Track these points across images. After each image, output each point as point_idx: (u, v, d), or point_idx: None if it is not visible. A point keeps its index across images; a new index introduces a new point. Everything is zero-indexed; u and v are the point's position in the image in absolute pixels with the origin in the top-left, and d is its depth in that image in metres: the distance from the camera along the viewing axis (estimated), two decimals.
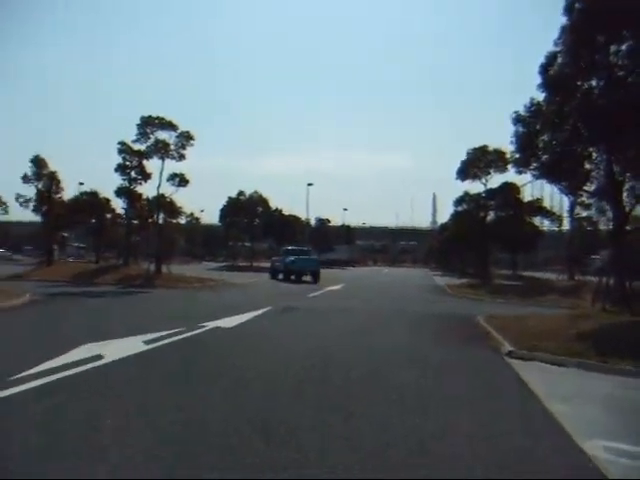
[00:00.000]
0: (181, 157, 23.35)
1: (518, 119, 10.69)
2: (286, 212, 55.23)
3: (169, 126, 22.92)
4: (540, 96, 9.85)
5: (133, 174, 25.44)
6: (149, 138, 23.17)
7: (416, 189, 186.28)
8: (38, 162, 26.16)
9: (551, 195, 60.30)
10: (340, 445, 3.64)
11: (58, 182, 27.29)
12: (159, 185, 24.04)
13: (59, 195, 27.55)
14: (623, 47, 9.14)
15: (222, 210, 50.42)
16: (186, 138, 23.17)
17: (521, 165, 11.04)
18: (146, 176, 25.34)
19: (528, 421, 4.50)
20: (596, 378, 6.44)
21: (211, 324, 9.47)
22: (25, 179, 26.03)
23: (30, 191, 26.88)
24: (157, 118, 22.83)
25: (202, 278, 23.49)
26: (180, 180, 24.29)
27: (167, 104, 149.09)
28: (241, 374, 5.81)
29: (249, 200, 49.72)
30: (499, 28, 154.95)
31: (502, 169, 30.31)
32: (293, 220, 55.35)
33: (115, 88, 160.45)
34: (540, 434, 4.14)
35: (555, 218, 36.85)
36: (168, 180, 24.20)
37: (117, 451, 3.37)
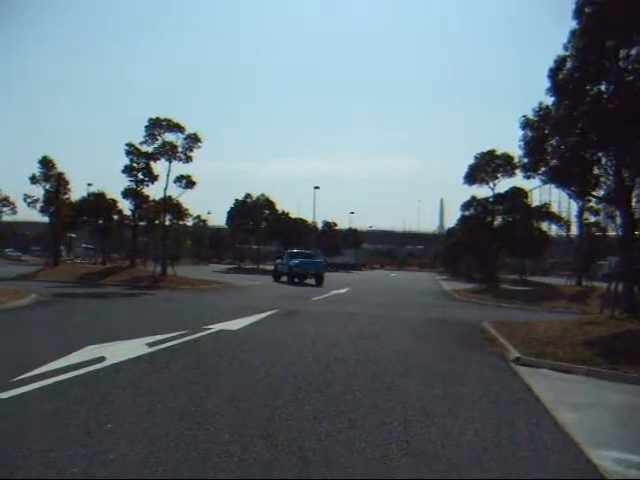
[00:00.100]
0: (188, 159, 23.38)
1: (526, 123, 10.59)
2: (293, 215, 55.32)
3: (176, 128, 22.96)
4: (549, 100, 9.78)
5: (140, 176, 25.56)
6: (156, 140, 23.23)
7: (423, 193, 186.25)
8: (46, 163, 26.36)
9: (559, 200, 60.18)
10: (342, 457, 3.57)
11: (66, 183, 27.49)
12: (166, 187, 24.13)
13: (66, 196, 27.76)
14: (633, 51, 9.03)
15: (229, 212, 50.57)
16: (193, 140, 23.20)
17: (529, 169, 10.93)
18: (153, 178, 25.43)
19: (535, 430, 4.40)
20: (605, 386, 6.33)
21: (215, 327, 9.42)
22: (33, 180, 26.24)
23: (38, 192, 27.14)
24: (165, 120, 22.89)
25: (207, 280, 23.50)
26: (187, 182, 24.34)
27: (176, 107, 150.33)
28: (244, 378, 5.75)
29: (256, 203, 49.83)
30: (509, 32, 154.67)
31: (510, 174, 30.09)
32: (300, 223, 55.38)
33: (125, 90, 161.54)
34: (547, 444, 4.04)
35: (563, 223, 36.57)
36: (175, 182, 24.31)
37: (112, 457, 3.32)
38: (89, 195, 30.79)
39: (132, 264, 27.79)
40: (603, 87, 8.93)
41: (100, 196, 29.82)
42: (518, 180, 32.62)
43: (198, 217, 63.83)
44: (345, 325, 11.10)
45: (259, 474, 3.19)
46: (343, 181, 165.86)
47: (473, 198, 34.38)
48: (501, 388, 5.97)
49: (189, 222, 40.83)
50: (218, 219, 61.44)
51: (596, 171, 9.99)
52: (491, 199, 32.42)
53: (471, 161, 31.35)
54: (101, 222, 30.42)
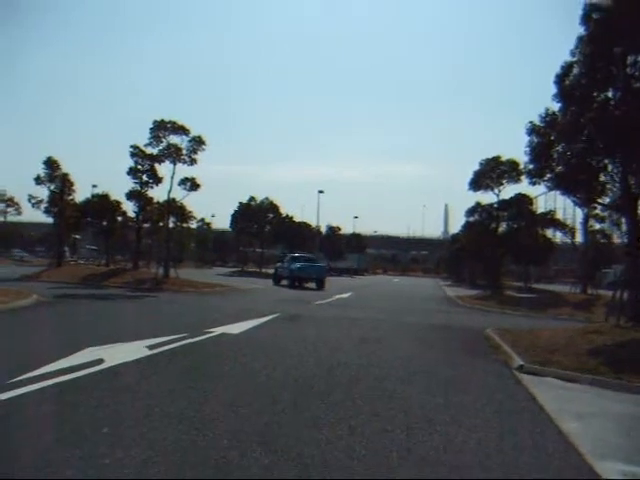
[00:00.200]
0: (192, 161, 23.39)
1: (533, 129, 10.52)
2: (297, 219, 55.32)
3: (181, 130, 22.99)
4: (555, 106, 9.72)
5: (145, 177, 25.59)
6: (161, 142, 23.26)
7: (428, 199, 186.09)
8: (51, 164, 26.44)
9: (564, 207, 60.01)
10: (341, 464, 3.50)
11: (71, 184, 27.57)
12: (170, 189, 24.12)
13: (71, 197, 27.84)
14: None
15: (233, 216, 50.59)
16: (198, 143, 23.21)
17: (535, 176, 10.85)
18: (157, 180, 25.46)
19: (539, 440, 4.32)
20: (610, 395, 6.23)
21: (217, 330, 9.37)
22: (38, 180, 26.32)
23: (42, 192, 27.24)
24: (169, 122, 22.92)
25: (210, 283, 23.47)
26: (191, 184, 24.34)
27: (180, 109, 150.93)
28: (244, 382, 5.69)
29: (260, 206, 49.84)
30: (515, 35, 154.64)
31: (515, 180, 29.97)
32: (304, 227, 55.38)
33: (130, 92, 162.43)
34: (551, 454, 3.97)
35: (568, 230, 36.40)
36: (179, 184, 24.27)
37: (107, 462, 3.27)
38: (93, 196, 30.88)
39: (135, 266, 27.81)
40: (610, 94, 8.86)
41: (104, 197, 29.89)
42: (523, 187, 32.48)
43: (202, 220, 63.97)
44: (347, 330, 11.02)
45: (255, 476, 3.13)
46: (347, 185, 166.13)
47: (478, 204, 34.29)
48: (505, 396, 5.88)
49: (193, 225, 40.82)
50: (222, 222, 61.58)
51: (602, 178, 9.91)
52: (496, 205, 32.29)
53: (476, 167, 31.30)
54: (105, 224, 30.47)
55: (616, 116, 8.48)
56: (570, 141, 8.97)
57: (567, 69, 9.08)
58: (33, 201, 27.18)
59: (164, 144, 23.29)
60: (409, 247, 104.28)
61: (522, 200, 31.97)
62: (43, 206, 27.21)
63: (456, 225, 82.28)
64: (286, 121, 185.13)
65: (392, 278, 66.68)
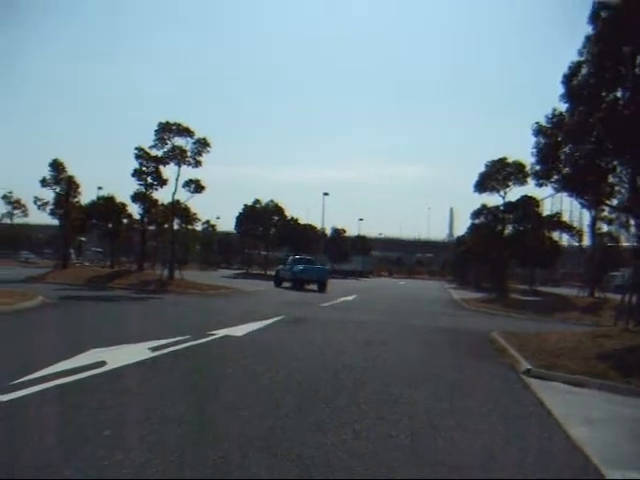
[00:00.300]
0: (197, 163, 23.38)
1: (539, 130, 10.40)
2: (302, 221, 55.26)
3: (186, 132, 22.99)
4: (563, 107, 9.59)
5: (149, 179, 25.61)
6: (166, 144, 23.27)
7: (433, 201, 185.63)
8: (56, 166, 26.53)
9: (570, 210, 59.67)
10: (345, 468, 3.42)
11: (76, 186, 27.65)
12: (175, 191, 24.13)
13: (76, 199, 27.91)
14: None
15: (238, 218, 50.60)
16: (202, 145, 23.20)
17: (542, 177, 10.73)
18: (162, 182, 25.48)
19: (547, 445, 4.22)
20: (618, 400, 6.12)
21: (221, 332, 9.31)
22: (44, 183, 26.41)
23: (48, 195, 27.34)
24: (174, 124, 22.93)
25: (215, 285, 23.44)
26: (196, 186, 24.33)
27: (184, 111, 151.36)
28: (247, 385, 5.63)
29: (265, 208, 49.83)
30: (517, 38, 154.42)
31: (521, 182, 29.78)
32: (309, 229, 55.30)
33: (135, 94, 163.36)
34: (560, 462, 3.87)
35: (575, 233, 36.13)
36: (184, 186, 24.26)
37: (107, 464, 3.21)
38: (99, 198, 30.94)
39: (140, 268, 27.83)
40: (619, 94, 8.73)
41: (109, 200, 29.94)
42: (529, 189, 32.22)
43: (207, 222, 64.08)
44: (352, 332, 10.94)
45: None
46: (351, 187, 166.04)
47: (483, 206, 34.10)
48: (511, 401, 5.78)
49: (198, 227, 40.91)
50: (227, 224, 61.61)
51: (611, 179, 9.78)
52: (502, 207, 32.10)
53: (481, 169, 31.12)
54: (110, 226, 30.52)
55: (625, 116, 8.36)
56: (578, 142, 8.85)
57: (575, 69, 8.97)
58: (39, 203, 27.31)
59: (169, 146, 23.31)
60: (414, 249, 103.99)
61: (528, 202, 31.74)
62: (49, 208, 27.34)
63: (461, 227, 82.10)
64: (289, 122, 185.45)
65: (398, 281, 66.48)
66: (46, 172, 26.62)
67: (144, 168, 25.39)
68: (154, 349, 7.18)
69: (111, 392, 4.99)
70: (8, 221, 53.88)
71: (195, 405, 4.75)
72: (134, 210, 28.90)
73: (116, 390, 5.11)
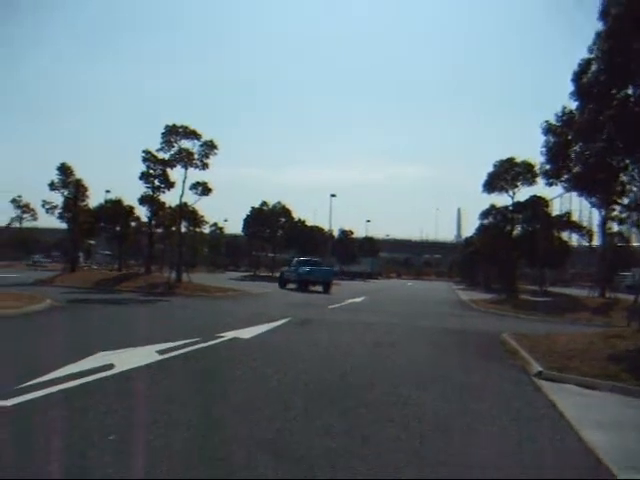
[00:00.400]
0: (204, 166, 23.38)
1: (549, 129, 10.25)
2: (309, 223, 55.22)
3: (193, 135, 23.01)
4: (572, 105, 9.45)
5: (157, 182, 25.66)
6: (173, 147, 23.29)
7: (441, 202, 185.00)
8: (64, 170, 26.68)
9: (580, 209, 59.15)
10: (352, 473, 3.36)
11: (84, 189, 27.78)
12: (182, 194, 24.15)
13: (84, 202, 28.03)
14: None
15: (245, 220, 50.65)
16: (209, 147, 23.21)
17: (551, 177, 10.58)
18: (169, 184, 25.51)
19: (560, 451, 4.13)
20: (632, 403, 6.01)
21: (229, 334, 9.28)
22: (52, 186, 26.55)
23: (57, 198, 27.49)
24: (181, 127, 22.96)
25: (222, 287, 23.43)
26: (203, 189, 24.35)
27: (190, 114, 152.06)
28: (255, 388, 5.57)
29: (272, 210, 49.84)
30: (528, 37, 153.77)
31: (530, 182, 29.49)
32: (316, 231, 55.24)
33: (140, 96, 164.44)
34: (574, 465, 3.78)
35: (585, 233, 35.76)
36: (191, 189, 24.28)
37: (111, 471, 3.16)
38: (106, 202, 31.05)
39: (148, 271, 27.90)
40: (630, 91, 8.59)
41: (117, 203, 30.03)
42: (538, 189, 31.91)
43: (215, 224, 64.18)
44: (361, 334, 10.87)
45: None
46: (358, 189, 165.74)
47: (492, 207, 33.82)
48: (523, 403, 5.68)
49: (206, 229, 40.98)
50: (234, 227, 61.67)
51: (622, 178, 9.63)
52: (511, 208, 31.83)
53: (489, 169, 30.86)
54: (118, 229, 30.63)
55: (636, 113, 8.21)
56: (588, 140, 8.70)
57: (585, 66, 8.82)
58: (47, 207, 27.46)
59: (176, 149, 23.33)
60: (422, 251, 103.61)
61: (537, 202, 31.43)
62: (57, 212, 27.48)
63: (469, 228, 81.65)
64: (299, 125, 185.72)
65: (406, 282, 66.24)
66: (54, 176, 26.84)
67: (151, 171, 25.46)
68: (162, 352, 7.16)
69: (118, 395, 4.96)
70: (17, 225, 54.24)
71: (203, 408, 4.70)
72: (142, 213, 29.03)
73: (123, 393, 5.08)
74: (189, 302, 17.35)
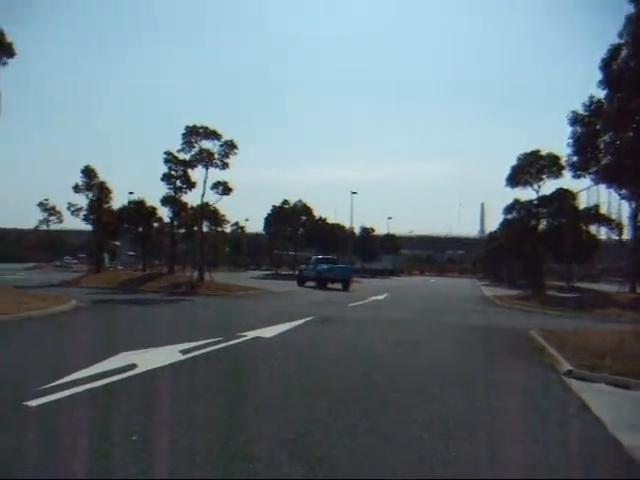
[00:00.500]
0: (224, 166, 23.52)
1: (576, 119, 9.90)
2: (330, 221, 55.14)
3: (213, 135, 23.15)
4: (600, 94, 9.10)
5: (178, 183, 25.93)
6: (193, 147, 23.50)
7: (464, 198, 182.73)
8: (88, 172, 27.14)
9: (609, 201, 57.66)
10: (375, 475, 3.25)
11: (108, 192, 28.22)
12: (203, 194, 24.34)
13: (108, 204, 28.47)
14: None
15: (266, 219, 50.84)
16: (229, 147, 23.33)
17: (579, 169, 10.26)
18: (191, 185, 25.77)
19: (595, 456, 3.94)
20: None
21: (251, 333, 9.25)
22: (76, 189, 27.05)
23: (81, 200, 27.98)
24: (201, 127, 23.12)
25: (244, 286, 23.53)
26: (224, 188, 24.49)
27: (209, 114, 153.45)
28: (277, 388, 5.51)
29: (293, 209, 49.91)
30: (548, 28, 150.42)
31: (556, 175, 28.79)
32: (337, 229, 55.12)
33: (160, 98, 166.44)
34: (613, 474, 3.59)
35: (614, 226, 34.79)
36: (212, 189, 24.47)
37: (134, 472, 3.13)
38: (130, 203, 31.47)
39: (171, 270, 28.21)
40: None
41: (140, 204, 30.43)
42: (564, 181, 31.21)
43: (236, 224, 64.61)
44: (384, 332, 10.74)
45: None
46: (381, 186, 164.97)
47: (516, 201, 33.21)
48: (553, 403, 5.49)
49: (227, 229, 41.23)
50: (256, 225, 62.01)
51: None
52: (536, 202, 31.17)
53: (513, 162, 30.27)
54: (141, 229, 31.03)
55: None
56: (618, 129, 8.38)
57: (614, 52, 8.49)
58: (72, 209, 27.97)
59: (196, 149, 23.53)
60: (445, 247, 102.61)
61: (564, 195, 30.71)
62: (82, 214, 27.98)
63: (493, 223, 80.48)
64: (320, 124, 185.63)
65: (429, 279, 65.62)
66: (78, 178, 27.32)
67: (173, 172, 25.74)
68: (185, 351, 7.16)
69: (141, 395, 4.95)
70: (45, 228, 55.46)
71: (225, 408, 4.66)
72: (164, 214, 29.39)
73: (146, 393, 5.08)
74: (211, 301, 17.44)
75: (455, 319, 14.33)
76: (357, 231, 63.94)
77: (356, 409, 4.76)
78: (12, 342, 8.33)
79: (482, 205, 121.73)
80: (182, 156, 24.59)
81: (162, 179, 26.00)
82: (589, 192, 55.60)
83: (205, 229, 28.12)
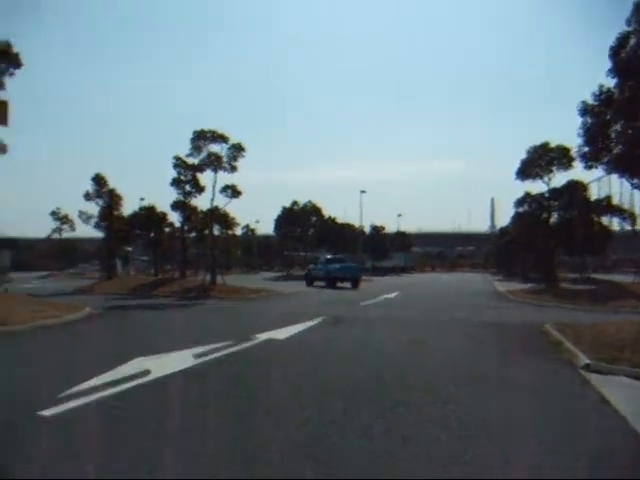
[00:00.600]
0: (233, 169, 23.57)
1: (586, 109, 9.71)
2: (340, 220, 55.06)
3: (220, 139, 23.20)
4: (610, 82, 8.93)
5: (188, 187, 26.04)
6: (202, 151, 23.57)
7: (473, 194, 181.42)
8: (98, 180, 27.37)
9: (620, 192, 56.93)
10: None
11: (119, 198, 28.44)
12: (212, 197, 24.42)
13: (119, 211, 28.69)
14: None
15: (276, 220, 50.91)
16: (237, 150, 23.36)
17: (590, 159, 10.06)
18: (200, 189, 25.86)
19: (616, 450, 3.86)
20: None
21: (263, 336, 9.24)
22: (87, 197, 27.29)
23: (92, 208, 28.25)
24: (209, 131, 23.19)
25: (256, 288, 23.56)
26: (233, 192, 24.55)
27: (223, 118, 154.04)
28: (290, 390, 5.48)
29: (303, 210, 49.91)
30: (553, 19, 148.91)
31: (566, 167, 28.47)
32: (347, 228, 55.05)
33: (167, 101, 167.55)
34: (635, 468, 3.51)
35: (628, 216, 34.33)
36: (221, 192, 24.52)
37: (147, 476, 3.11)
38: (140, 209, 31.69)
39: (182, 275, 28.33)
40: None
41: (150, 209, 30.62)
42: (575, 173, 30.79)
43: (246, 226, 64.78)
44: (396, 330, 10.67)
45: None
46: (390, 184, 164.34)
47: (527, 194, 32.91)
48: (572, 399, 5.40)
49: (238, 231, 41.35)
50: (266, 227, 62.08)
51: None
52: (546, 194, 30.85)
53: (521, 156, 29.98)
54: (152, 235, 31.23)
55: None
56: (629, 118, 8.22)
57: (623, 40, 8.33)
58: (84, 217, 28.24)
59: (204, 153, 23.60)
60: (455, 243, 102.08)
61: (575, 187, 30.38)
62: (93, 221, 28.23)
63: (503, 218, 79.90)
64: (328, 123, 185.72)
65: (440, 275, 65.25)
66: (89, 186, 27.56)
67: (182, 177, 25.85)
68: (198, 356, 7.16)
69: (154, 402, 4.95)
70: (57, 236, 56.01)
71: (238, 413, 4.63)
72: (174, 218, 29.53)
73: (159, 400, 5.07)
74: (223, 304, 17.48)
75: (468, 315, 14.20)
76: (367, 230, 63.82)
77: (372, 409, 4.71)
78: (27, 351, 8.40)
79: (492, 200, 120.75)
80: (191, 160, 24.71)
81: (172, 184, 26.14)
82: (600, 183, 54.81)
83: (216, 232, 28.24)
